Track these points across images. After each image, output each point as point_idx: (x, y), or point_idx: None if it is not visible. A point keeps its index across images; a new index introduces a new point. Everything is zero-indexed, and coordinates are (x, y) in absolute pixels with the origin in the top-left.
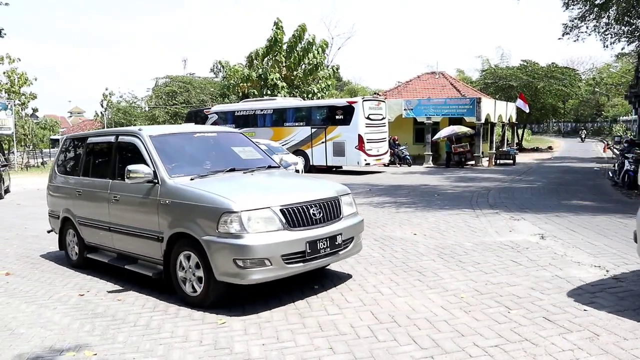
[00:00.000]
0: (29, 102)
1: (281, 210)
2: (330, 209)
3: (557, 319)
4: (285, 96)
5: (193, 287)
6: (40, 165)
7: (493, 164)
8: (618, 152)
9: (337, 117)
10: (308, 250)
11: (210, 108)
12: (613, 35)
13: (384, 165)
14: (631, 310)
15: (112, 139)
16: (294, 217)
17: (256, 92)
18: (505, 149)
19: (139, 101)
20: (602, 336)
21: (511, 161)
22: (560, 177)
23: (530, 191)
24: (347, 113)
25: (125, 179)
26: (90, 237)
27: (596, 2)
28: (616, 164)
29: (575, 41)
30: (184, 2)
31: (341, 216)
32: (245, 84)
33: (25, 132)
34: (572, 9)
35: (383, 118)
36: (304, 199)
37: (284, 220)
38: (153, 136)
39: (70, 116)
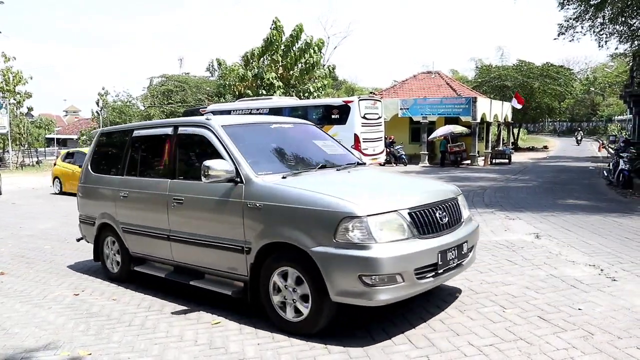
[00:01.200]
0: (24, 100)
1: (410, 214)
2: (453, 212)
3: (552, 318)
4: (281, 95)
5: (296, 310)
6: (35, 164)
7: (488, 163)
8: (613, 152)
9: (333, 116)
10: (439, 262)
11: (206, 107)
12: (608, 35)
13: (380, 164)
14: (625, 309)
15: (168, 131)
16: (423, 222)
17: (251, 92)
18: (500, 148)
19: (134, 100)
20: (597, 335)
21: (507, 160)
22: (555, 177)
23: (525, 190)
24: (343, 112)
25: (202, 178)
26: (139, 247)
27: (591, 2)
28: (611, 163)
29: (570, 41)
30: (182, 2)
31: (462, 220)
32: (241, 83)
33: (20, 131)
34: (568, 8)
35: (379, 117)
36: (430, 200)
37: (413, 226)
38: (226, 126)
39: (66, 115)
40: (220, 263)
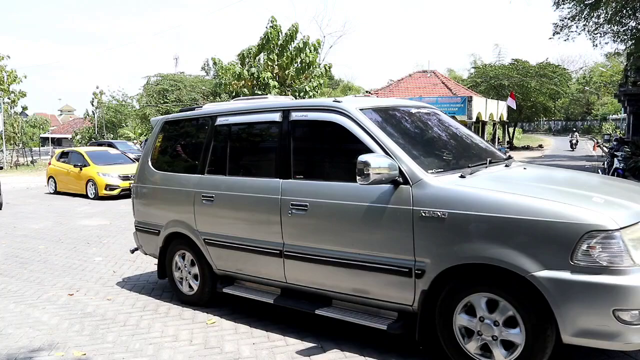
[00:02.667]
0: (18, 99)
1: None
2: None
3: None
4: (276, 95)
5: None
6: (30, 163)
7: None
8: (607, 150)
9: None
10: None
11: (202, 107)
12: (602, 35)
13: None
14: None
15: (275, 117)
16: None
17: (247, 91)
18: (496, 147)
19: (129, 99)
20: None
21: None
22: None
23: None
24: None
25: (357, 178)
26: (229, 263)
27: (586, 2)
28: (606, 162)
29: (565, 40)
30: (178, 1)
31: None
32: (236, 82)
33: (15, 130)
34: (562, 8)
35: None
36: None
37: None
38: (365, 110)
39: (61, 114)
40: (368, 287)
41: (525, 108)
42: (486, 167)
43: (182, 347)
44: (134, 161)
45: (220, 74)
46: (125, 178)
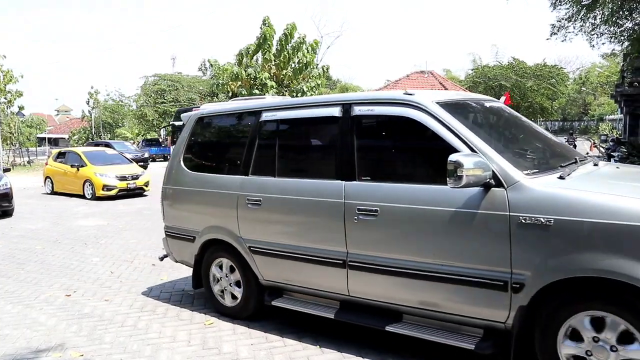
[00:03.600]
0: (14, 99)
1: None
2: None
3: None
4: (274, 95)
5: None
6: (27, 164)
7: None
8: (604, 151)
9: None
10: None
11: (199, 107)
12: (599, 35)
13: None
14: None
15: (334, 112)
16: None
17: (245, 92)
18: None
19: (126, 99)
20: None
21: None
22: None
23: None
24: None
25: (448, 180)
26: (279, 273)
27: (583, 3)
28: None
29: (562, 41)
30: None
31: None
32: (234, 83)
33: (11, 130)
34: (560, 9)
35: None
36: None
37: None
38: (442, 104)
39: (57, 114)
40: (450, 302)
41: (523, 108)
42: (577, 166)
43: (180, 348)
44: (131, 161)
45: (217, 74)
46: (123, 178)
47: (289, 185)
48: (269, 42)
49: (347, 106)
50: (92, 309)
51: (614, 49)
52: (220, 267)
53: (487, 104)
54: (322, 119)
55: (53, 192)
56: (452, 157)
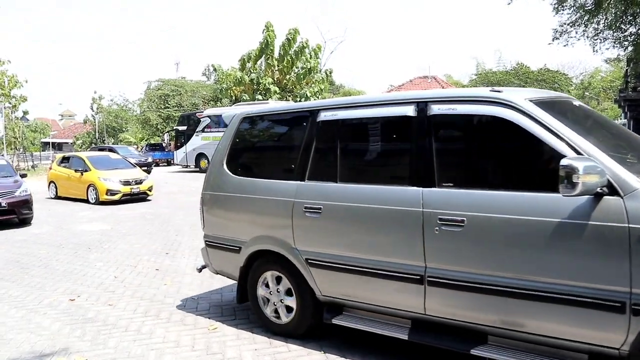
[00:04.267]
0: (19, 104)
1: None
2: None
3: None
4: (277, 100)
5: None
6: (31, 168)
7: None
8: None
9: None
10: None
11: (202, 111)
12: (602, 40)
13: None
14: None
15: (407, 111)
16: None
17: (247, 97)
18: None
19: (130, 104)
20: None
21: None
22: None
23: None
24: None
25: (560, 187)
26: (340, 288)
27: (586, 8)
28: None
29: (565, 46)
30: (179, 5)
31: None
32: (237, 88)
33: (16, 134)
34: (562, 14)
35: None
36: None
37: None
38: (535, 102)
39: (61, 119)
40: (550, 324)
41: None
42: None
43: (184, 353)
44: (134, 166)
45: (221, 79)
46: (126, 183)
47: (354, 191)
48: (271, 47)
49: (422, 105)
50: (96, 314)
51: (618, 54)
52: (270, 280)
53: (575, 103)
54: (393, 118)
55: (57, 197)
56: (565, 161)
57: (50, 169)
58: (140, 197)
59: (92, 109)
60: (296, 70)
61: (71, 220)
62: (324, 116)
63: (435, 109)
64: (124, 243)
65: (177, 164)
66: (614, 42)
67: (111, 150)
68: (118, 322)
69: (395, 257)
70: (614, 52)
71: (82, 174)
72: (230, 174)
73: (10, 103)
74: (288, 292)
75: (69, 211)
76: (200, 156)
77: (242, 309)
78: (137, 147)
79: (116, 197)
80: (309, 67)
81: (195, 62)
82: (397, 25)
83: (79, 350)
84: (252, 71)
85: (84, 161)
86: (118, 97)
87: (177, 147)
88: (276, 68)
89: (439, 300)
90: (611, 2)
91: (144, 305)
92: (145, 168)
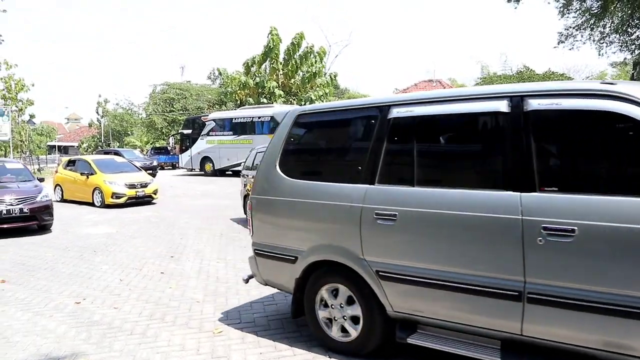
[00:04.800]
0: (25, 108)
1: None
2: None
3: None
4: (282, 104)
5: None
6: (37, 171)
7: None
8: None
9: None
10: None
11: (207, 115)
12: (608, 44)
13: None
14: None
15: (499, 106)
16: None
17: (252, 100)
18: None
19: (135, 108)
20: None
21: None
22: None
23: None
24: None
25: None
26: (416, 304)
27: (592, 12)
28: None
29: (570, 49)
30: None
31: None
32: (242, 91)
33: (22, 138)
34: (567, 17)
35: None
36: None
37: None
38: None
39: (67, 122)
40: None
41: None
42: None
43: (189, 357)
44: (140, 169)
45: (225, 83)
46: (132, 186)
47: (436, 196)
48: (275, 52)
49: (517, 99)
50: (102, 317)
51: (625, 58)
52: (332, 293)
53: None
54: (481, 115)
55: (63, 200)
56: None
57: (56, 172)
58: (145, 201)
59: (97, 112)
60: (301, 74)
61: (77, 223)
62: (396, 113)
63: (534, 104)
64: (129, 246)
65: (182, 168)
66: (620, 46)
67: (117, 153)
68: (123, 325)
69: (487, 270)
70: (620, 56)
71: (87, 177)
72: (285, 176)
73: (16, 106)
74: (352, 307)
75: (75, 214)
76: (205, 160)
77: (246, 312)
78: (142, 151)
79: (121, 200)
80: (313, 71)
81: (196, 63)
82: (402, 29)
83: (84, 353)
84: (257, 75)
85: (90, 164)
86: (123, 101)
87: (182, 151)
88: (281, 72)
89: (540, 320)
90: (617, 5)
91: (149, 309)
92: (151, 171)
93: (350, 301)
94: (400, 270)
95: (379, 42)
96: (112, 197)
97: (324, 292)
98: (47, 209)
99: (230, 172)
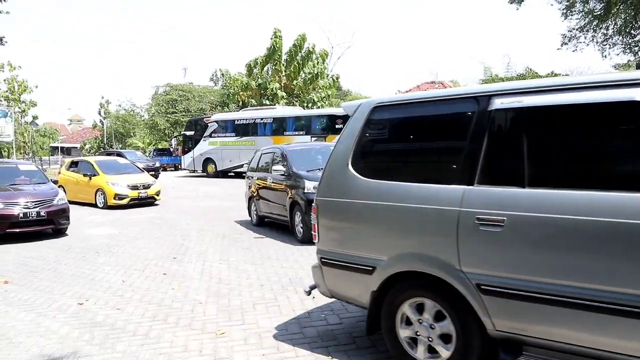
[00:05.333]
0: (28, 109)
1: None
2: None
3: None
4: (284, 105)
5: None
6: None
7: None
8: None
9: (337, 126)
10: None
11: (210, 116)
12: (611, 46)
13: None
14: None
15: (635, 94)
16: None
17: (255, 102)
18: None
19: (138, 109)
20: None
21: None
22: None
23: None
24: (347, 122)
25: None
26: (524, 322)
27: (595, 13)
28: None
29: (574, 51)
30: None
31: None
32: (244, 93)
33: (25, 139)
34: (570, 19)
35: None
36: None
37: None
38: None
39: (70, 124)
40: None
41: None
42: None
43: (191, 358)
44: (142, 171)
45: (228, 84)
46: (134, 188)
47: (554, 199)
48: (278, 53)
49: None
50: (104, 318)
51: (628, 60)
52: (416, 309)
53: None
54: (608, 105)
55: None
56: None
57: (59, 173)
58: (147, 202)
59: (99, 114)
60: (303, 75)
61: (79, 224)
62: (500, 104)
63: None
64: (132, 247)
65: (185, 169)
66: (624, 48)
67: (119, 154)
68: (126, 326)
69: (622, 285)
70: (623, 58)
71: (90, 179)
72: (359, 176)
73: (19, 108)
74: (439, 320)
75: (77, 215)
76: (207, 161)
77: (249, 314)
78: (145, 152)
79: (124, 202)
80: (315, 72)
81: (197, 63)
82: (403, 30)
83: (87, 354)
84: (259, 76)
85: (93, 166)
86: (125, 102)
87: (184, 152)
88: (283, 73)
89: None
90: (621, 7)
91: (152, 310)
92: (153, 173)
93: (438, 317)
94: (508, 284)
95: (380, 43)
96: (114, 198)
97: (406, 308)
98: (63, 213)
99: (233, 174)
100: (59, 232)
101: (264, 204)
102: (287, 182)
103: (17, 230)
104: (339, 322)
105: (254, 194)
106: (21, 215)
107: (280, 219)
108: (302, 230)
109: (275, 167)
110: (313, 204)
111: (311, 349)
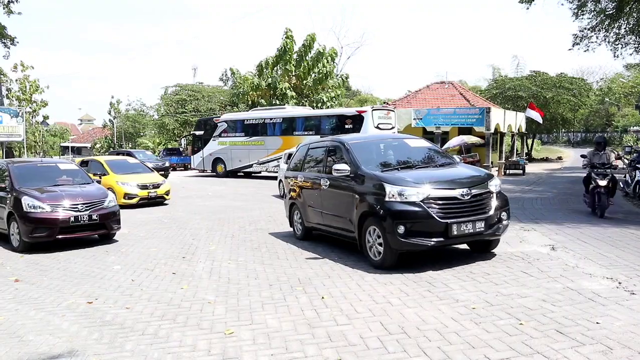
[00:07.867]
0: (39, 109)
1: None
2: None
3: (570, 332)
4: (294, 105)
5: None
6: None
7: (502, 174)
8: (628, 163)
9: (346, 126)
10: None
11: (219, 116)
12: (624, 46)
13: None
14: None
15: None
16: None
17: (264, 102)
18: (514, 159)
19: (148, 109)
20: (616, 350)
21: (521, 171)
22: (570, 188)
23: (540, 201)
24: (356, 122)
25: None
26: None
27: (607, 13)
28: (627, 175)
29: (585, 51)
30: (197, 12)
31: None
32: (254, 93)
33: (36, 139)
34: (582, 19)
35: (392, 127)
36: None
37: None
38: None
39: (81, 124)
40: None
41: (544, 120)
42: None
43: (200, 357)
44: (152, 170)
45: (238, 84)
46: (144, 187)
47: None
48: (289, 54)
49: None
50: (114, 317)
51: None
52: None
53: None
54: None
55: None
56: None
57: None
58: (157, 201)
59: (109, 113)
60: (313, 75)
61: None
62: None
63: None
64: (141, 247)
65: (194, 169)
66: (636, 47)
67: (129, 154)
68: (135, 326)
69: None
70: (636, 58)
71: (100, 178)
72: None
73: (30, 107)
74: None
75: None
76: (217, 161)
77: (258, 314)
78: (155, 152)
79: (134, 201)
80: (325, 72)
81: (213, 69)
82: (413, 31)
83: (96, 353)
84: (269, 76)
85: (103, 165)
86: (135, 102)
87: (194, 152)
88: (293, 73)
89: None
90: (633, 6)
91: (161, 309)
92: (163, 172)
93: None
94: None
95: (392, 44)
96: (124, 197)
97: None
98: (114, 216)
99: (242, 174)
100: (108, 238)
101: (315, 213)
102: (355, 186)
103: (70, 236)
104: (348, 322)
105: (298, 200)
106: (72, 219)
107: (341, 234)
108: (380, 252)
109: (337, 167)
110: None
111: (320, 350)
